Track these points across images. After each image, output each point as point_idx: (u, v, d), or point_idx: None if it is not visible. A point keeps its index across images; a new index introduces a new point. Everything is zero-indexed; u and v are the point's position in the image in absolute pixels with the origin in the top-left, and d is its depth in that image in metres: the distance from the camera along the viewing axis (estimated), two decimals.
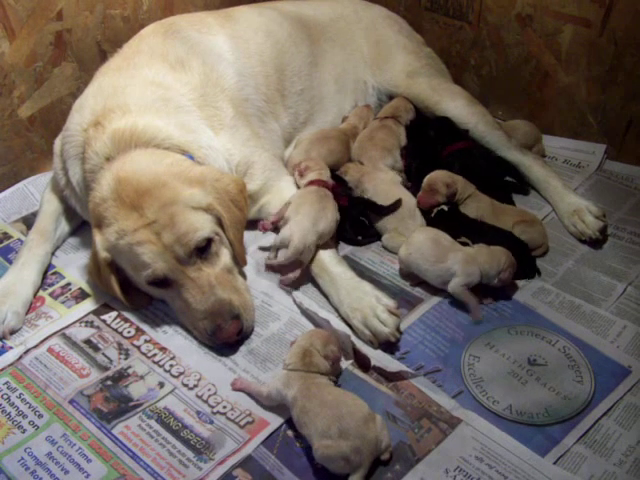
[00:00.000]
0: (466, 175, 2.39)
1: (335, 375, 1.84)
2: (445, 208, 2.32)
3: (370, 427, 1.64)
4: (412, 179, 2.54)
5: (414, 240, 2.15)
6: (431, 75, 2.83)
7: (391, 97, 2.89)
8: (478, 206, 2.32)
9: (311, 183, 2.33)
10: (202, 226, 1.95)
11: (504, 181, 2.56)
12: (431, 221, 2.31)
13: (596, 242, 2.34)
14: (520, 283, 2.19)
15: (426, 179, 2.35)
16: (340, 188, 2.41)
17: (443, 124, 2.68)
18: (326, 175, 2.39)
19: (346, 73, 2.87)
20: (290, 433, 1.76)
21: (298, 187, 2.39)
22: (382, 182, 2.39)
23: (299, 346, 1.82)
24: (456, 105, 2.70)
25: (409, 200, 2.35)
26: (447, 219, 2.30)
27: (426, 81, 2.79)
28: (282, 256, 2.13)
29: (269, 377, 1.90)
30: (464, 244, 2.20)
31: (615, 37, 2.54)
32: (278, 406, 1.79)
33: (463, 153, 2.54)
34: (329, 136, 2.64)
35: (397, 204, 2.31)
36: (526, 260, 2.19)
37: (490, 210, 2.31)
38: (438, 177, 2.34)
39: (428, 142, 2.63)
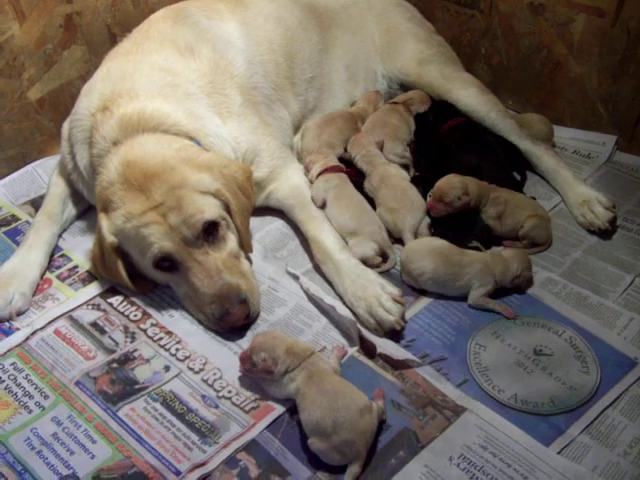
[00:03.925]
0: (466, 148, 2.44)
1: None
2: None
3: (365, 419, 1.63)
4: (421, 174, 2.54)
5: (422, 267, 2.07)
6: (442, 63, 2.81)
7: (402, 85, 2.88)
8: (497, 209, 2.25)
9: (325, 171, 2.33)
10: (209, 209, 1.95)
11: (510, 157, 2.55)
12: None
13: (605, 233, 2.33)
14: None
15: (437, 187, 2.24)
16: (354, 171, 2.42)
17: (441, 107, 2.69)
18: (334, 160, 2.39)
19: (357, 60, 2.86)
20: (295, 419, 1.76)
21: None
22: (394, 177, 2.34)
23: (275, 356, 1.75)
24: (468, 94, 2.68)
25: (413, 195, 2.29)
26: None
27: (437, 69, 2.78)
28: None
29: None
30: (475, 248, 2.18)
31: (628, 27, 2.51)
32: None
33: (460, 127, 2.57)
34: (334, 116, 2.63)
35: None
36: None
37: (508, 207, 2.25)
38: (450, 187, 2.21)
39: (429, 126, 2.63)
